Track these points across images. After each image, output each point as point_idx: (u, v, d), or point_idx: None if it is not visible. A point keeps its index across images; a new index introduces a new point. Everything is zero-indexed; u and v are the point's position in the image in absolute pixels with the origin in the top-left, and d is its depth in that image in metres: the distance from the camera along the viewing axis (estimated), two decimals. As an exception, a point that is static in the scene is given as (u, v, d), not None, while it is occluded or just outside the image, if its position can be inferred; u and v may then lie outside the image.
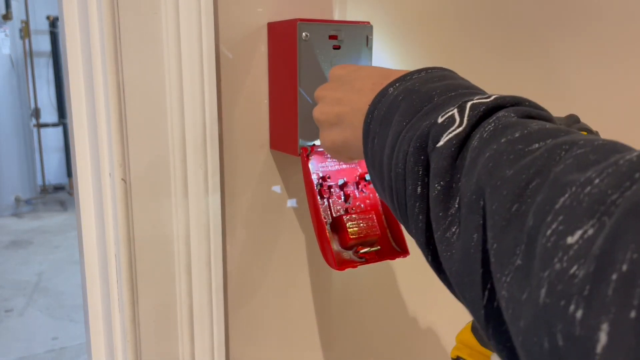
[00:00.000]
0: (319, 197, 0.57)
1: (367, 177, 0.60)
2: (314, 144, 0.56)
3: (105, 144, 0.53)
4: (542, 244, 0.21)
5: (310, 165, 0.56)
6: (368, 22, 0.57)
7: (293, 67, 0.54)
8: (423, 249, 0.32)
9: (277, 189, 0.62)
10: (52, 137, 4.64)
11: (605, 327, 0.17)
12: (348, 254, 0.58)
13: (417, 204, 0.31)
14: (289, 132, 0.57)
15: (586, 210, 0.19)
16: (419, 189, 0.31)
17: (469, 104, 0.31)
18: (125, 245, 0.54)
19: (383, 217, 0.60)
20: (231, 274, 0.62)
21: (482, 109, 0.30)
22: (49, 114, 4.59)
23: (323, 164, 0.58)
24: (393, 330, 0.76)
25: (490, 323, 0.25)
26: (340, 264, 0.56)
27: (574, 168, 0.22)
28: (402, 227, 0.59)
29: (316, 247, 0.66)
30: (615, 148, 0.23)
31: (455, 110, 0.31)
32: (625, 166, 0.20)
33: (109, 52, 0.50)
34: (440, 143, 0.30)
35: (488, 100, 0.30)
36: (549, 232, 0.20)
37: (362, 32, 0.56)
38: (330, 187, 0.58)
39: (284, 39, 0.55)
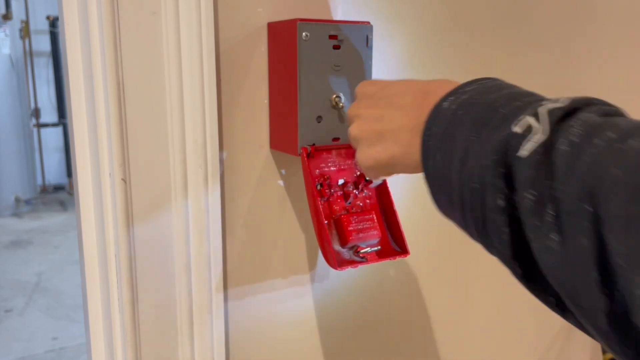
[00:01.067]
0: (319, 197, 0.57)
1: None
2: (314, 144, 0.56)
3: (105, 143, 0.53)
4: None
5: (310, 165, 0.56)
6: (368, 22, 0.57)
7: (293, 67, 0.54)
8: (509, 263, 0.31)
9: (281, 182, 0.62)
10: (52, 137, 4.64)
11: None
12: (348, 254, 0.58)
13: (500, 217, 0.31)
14: (289, 132, 0.57)
15: None
16: (500, 202, 0.30)
17: (543, 110, 0.30)
18: (125, 245, 0.54)
19: (383, 217, 0.60)
20: (231, 274, 0.62)
21: (560, 114, 0.29)
22: (48, 114, 4.59)
23: (323, 164, 0.58)
24: (393, 330, 0.76)
25: (616, 329, 0.25)
26: (341, 264, 0.56)
27: None
28: (402, 227, 0.59)
29: (316, 247, 0.66)
30: None
31: (531, 119, 0.30)
32: None
33: (109, 52, 0.50)
34: (524, 153, 0.29)
35: (564, 105, 0.30)
36: None
37: (362, 32, 0.56)
38: (330, 187, 0.58)
39: (284, 39, 0.55)
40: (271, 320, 0.66)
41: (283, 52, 0.56)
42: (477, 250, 0.38)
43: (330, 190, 0.58)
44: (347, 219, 0.57)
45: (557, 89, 0.83)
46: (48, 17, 4.45)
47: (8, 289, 2.98)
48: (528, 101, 0.32)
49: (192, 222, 0.56)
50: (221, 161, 0.58)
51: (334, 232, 0.58)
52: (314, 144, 0.56)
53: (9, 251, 3.51)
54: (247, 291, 0.63)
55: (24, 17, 4.21)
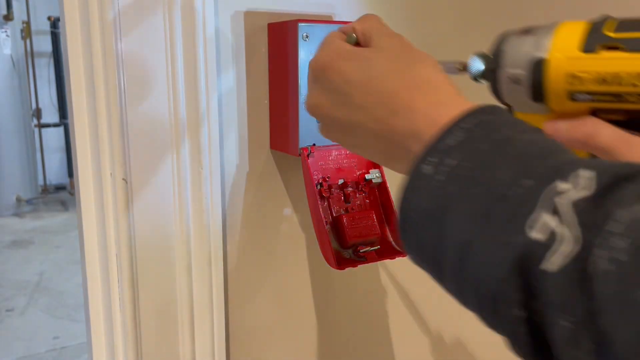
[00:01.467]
0: (319, 197, 0.57)
1: (367, 177, 0.60)
2: (314, 144, 0.56)
3: (106, 144, 0.53)
4: None
5: (310, 165, 0.56)
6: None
7: (293, 67, 0.54)
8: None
9: (281, 182, 0.63)
10: (53, 137, 4.64)
11: None
12: (348, 254, 0.58)
13: (520, 327, 0.25)
14: (289, 132, 0.57)
15: None
16: (520, 313, 0.25)
17: (561, 201, 0.23)
18: (126, 245, 0.54)
19: (383, 216, 0.60)
20: (231, 273, 0.62)
21: (582, 207, 0.23)
22: (50, 114, 4.59)
23: (323, 164, 0.58)
24: (393, 330, 0.76)
25: None
26: (340, 264, 0.56)
27: None
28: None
29: (316, 246, 0.67)
30: None
31: (551, 218, 0.23)
32: None
33: (110, 52, 0.50)
34: (551, 267, 0.23)
35: (582, 188, 0.23)
36: None
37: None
38: (330, 187, 0.58)
39: (284, 39, 0.56)
40: (271, 320, 0.66)
41: (283, 52, 0.56)
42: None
43: (330, 190, 0.58)
44: (347, 219, 0.57)
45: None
46: (49, 18, 4.45)
47: (9, 288, 2.98)
48: (539, 175, 0.25)
49: (193, 221, 0.56)
50: (221, 161, 0.58)
51: (334, 232, 0.58)
52: (314, 144, 0.56)
53: (10, 251, 3.51)
54: (247, 291, 0.63)
55: (25, 18, 4.22)
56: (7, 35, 4.00)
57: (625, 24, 0.33)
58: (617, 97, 0.32)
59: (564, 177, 0.24)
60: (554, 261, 0.23)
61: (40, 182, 4.48)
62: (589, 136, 0.32)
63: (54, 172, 4.67)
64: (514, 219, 0.25)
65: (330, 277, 0.69)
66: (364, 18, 0.39)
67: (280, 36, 0.56)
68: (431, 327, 0.79)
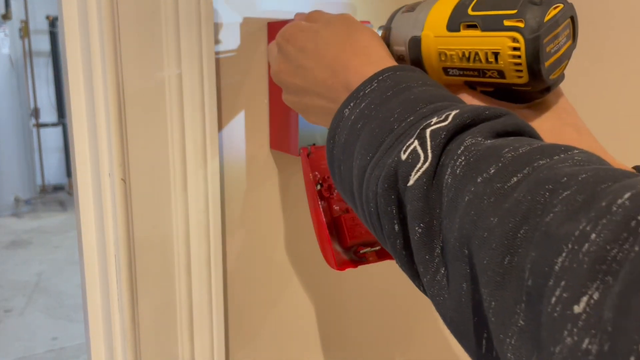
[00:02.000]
0: (319, 197, 0.57)
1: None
2: (314, 144, 0.56)
3: (104, 143, 0.53)
4: (547, 312, 0.20)
5: (310, 165, 0.56)
6: (368, 22, 0.57)
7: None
8: (414, 281, 0.31)
9: (281, 182, 0.62)
10: (51, 137, 4.63)
11: None
12: (348, 254, 0.58)
13: (398, 241, 0.30)
14: (289, 132, 0.57)
15: (588, 272, 0.19)
16: (396, 227, 0.30)
17: (428, 132, 0.29)
18: (124, 246, 0.54)
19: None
20: (231, 274, 0.62)
21: (443, 136, 0.28)
22: (48, 114, 4.59)
23: (323, 164, 0.58)
24: (393, 330, 0.76)
25: None
26: (341, 264, 0.56)
27: (564, 217, 0.21)
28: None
29: (316, 247, 0.66)
30: (599, 177, 0.21)
31: (417, 143, 0.29)
32: (619, 214, 0.19)
33: (109, 52, 0.50)
34: (410, 182, 0.28)
35: (446, 123, 0.29)
36: (553, 299, 0.19)
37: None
38: (330, 187, 0.58)
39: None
40: (271, 320, 0.66)
41: (283, 52, 0.56)
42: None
43: (330, 191, 0.58)
44: (346, 220, 0.57)
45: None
46: (47, 17, 4.45)
47: (8, 289, 2.98)
48: (420, 114, 0.31)
49: (192, 222, 0.56)
50: (221, 161, 0.58)
51: (334, 232, 0.58)
52: (314, 144, 0.56)
53: (9, 251, 3.51)
54: (247, 291, 0.63)
55: (23, 17, 4.21)
56: (5, 35, 4.00)
57: (482, 2, 0.34)
58: (480, 72, 0.34)
59: (439, 115, 0.30)
60: (413, 177, 0.28)
61: (39, 182, 4.48)
62: None
63: (53, 172, 4.67)
64: (395, 146, 0.31)
65: (330, 277, 0.68)
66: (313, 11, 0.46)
67: (280, 35, 0.56)
68: (432, 328, 0.79)
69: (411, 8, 0.38)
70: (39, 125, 4.43)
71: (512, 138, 0.28)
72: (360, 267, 0.57)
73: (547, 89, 0.34)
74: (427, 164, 0.28)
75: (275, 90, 0.59)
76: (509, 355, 0.22)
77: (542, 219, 0.22)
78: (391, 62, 0.38)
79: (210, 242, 0.58)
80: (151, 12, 0.51)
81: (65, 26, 0.53)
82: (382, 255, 0.58)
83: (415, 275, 0.30)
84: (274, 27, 0.57)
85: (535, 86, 0.33)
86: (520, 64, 0.32)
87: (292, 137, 0.56)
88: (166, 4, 0.51)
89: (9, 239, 3.71)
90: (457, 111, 0.29)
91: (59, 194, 4.64)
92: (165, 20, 0.51)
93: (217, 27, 0.55)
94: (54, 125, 4.63)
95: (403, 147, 0.30)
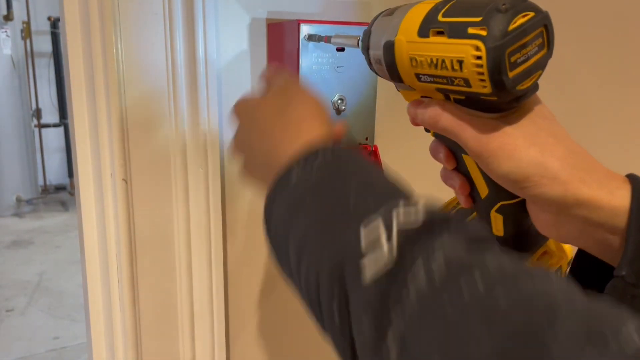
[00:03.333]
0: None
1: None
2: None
3: (106, 144, 0.53)
4: None
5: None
6: (369, 23, 0.57)
7: (293, 67, 0.54)
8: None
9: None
10: (53, 137, 4.64)
11: None
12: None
13: (336, 334, 0.27)
14: (289, 132, 0.57)
15: None
16: (337, 320, 0.27)
17: (394, 223, 0.26)
18: (126, 245, 0.54)
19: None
20: (231, 273, 0.62)
21: (412, 236, 0.25)
22: (50, 115, 4.59)
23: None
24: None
25: None
26: None
27: (568, 350, 0.19)
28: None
29: (316, 247, 0.66)
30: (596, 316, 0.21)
31: (382, 229, 0.26)
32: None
33: (110, 53, 0.50)
34: (367, 280, 0.25)
35: (417, 224, 0.26)
36: None
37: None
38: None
39: (284, 39, 0.56)
40: (271, 320, 0.66)
41: (283, 52, 0.56)
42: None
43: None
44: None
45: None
46: (49, 18, 4.45)
47: (9, 288, 2.98)
48: (383, 199, 0.28)
49: (193, 222, 0.56)
50: (222, 161, 0.58)
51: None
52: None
53: (10, 251, 3.51)
54: (247, 291, 0.63)
55: (25, 18, 4.21)
56: (7, 36, 4.00)
57: (452, 8, 0.33)
58: (448, 80, 0.33)
59: (406, 201, 0.27)
60: (370, 272, 0.25)
61: (41, 182, 4.48)
62: (433, 120, 0.35)
63: (54, 172, 4.67)
64: (351, 219, 0.27)
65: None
66: (279, 72, 0.46)
67: (280, 36, 0.56)
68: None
69: (391, 12, 0.38)
70: (41, 126, 4.43)
71: (494, 253, 0.25)
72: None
73: (516, 100, 0.33)
74: (390, 262, 0.25)
75: (275, 91, 0.59)
76: None
77: (547, 345, 0.20)
78: (319, 133, 0.37)
79: (211, 241, 0.58)
80: (152, 13, 0.51)
81: (67, 27, 0.53)
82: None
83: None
84: (273, 28, 0.58)
85: (501, 97, 0.32)
86: (483, 74, 0.31)
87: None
88: (167, 5, 0.51)
89: (10, 239, 3.71)
90: (425, 206, 0.27)
91: (60, 194, 4.64)
92: (166, 21, 0.51)
93: (217, 27, 0.55)
94: (55, 125, 4.63)
95: (364, 220, 0.27)
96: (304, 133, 0.37)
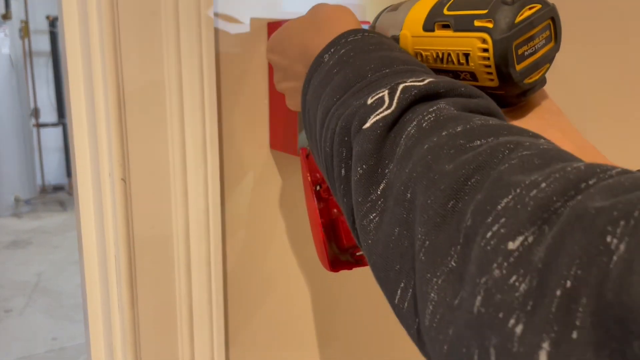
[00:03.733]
0: (316, 198, 0.57)
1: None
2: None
3: (104, 143, 0.53)
4: (480, 246, 0.19)
5: (309, 166, 0.56)
6: (369, 22, 0.57)
7: (293, 67, 0.54)
8: (353, 232, 0.31)
9: (281, 182, 0.62)
10: (51, 137, 4.63)
11: (546, 346, 0.16)
12: (345, 256, 0.58)
13: (342, 186, 0.30)
14: (289, 132, 0.57)
15: (530, 215, 0.19)
16: (342, 171, 0.30)
17: (400, 86, 0.29)
18: (124, 246, 0.54)
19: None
20: (231, 274, 0.62)
21: (413, 93, 0.28)
22: (48, 114, 4.59)
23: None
24: (392, 331, 0.76)
25: (401, 322, 0.25)
26: (335, 266, 0.56)
27: (518, 169, 0.21)
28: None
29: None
30: (560, 155, 0.22)
31: (386, 92, 0.29)
32: (572, 173, 0.19)
33: (109, 52, 0.50)
34: (367, 125, 0.28)
35: (421, 84, 0.28)
36: (489, 234, 0.19)
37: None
38: (329, 188, 0.58)
39: (283, 38, 0.55)
40: (271, 320, 0.66)
41: (283, 52, 0.56)
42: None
43: (329, 192, 0.58)
44: (344, 221, 0.57)
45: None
46: (48, 17, 4.45)
47: (8, 289, 2.98)
48: (396, 71, 0.31)
49: (192, 222, 0.56)
50: (221, 161, 0.58)
51: (332, 234, 0.58)
52: (313, 144, 0.56)
53: (9, 251, 3.51)
54: (247, 291, 0.63)
55: (23, 17, 4.21)
56: (5, 35, 3.99)
57: (458, 1, 0.33)
58: (455, 74, 0.33)
59: (417, 76, 0.30)
60: (370, 120, 0.28)
61: (39, 182, 4.48)
62: None
63: (53, 172, 4.67)
64: (364, 91, 0.30)
65: (330, 278, 0.68)
66: None
67: (280, 36, 0.56)
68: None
69: (395, 7, 0.38)
70: (39, 125, 4.43)
71: (485, 116, 0.28)
72: (360, 270, 0.57)
73: (524, 94, 0.33)
74: (388, 111, 0.28)
75: (275, 91, 0.59)
76: (432, 294, 0.21)
77: (496, 168, 0.22)
78: (351, 27, 0.38)
79: (210, 242, 0.58)
80: (151, 12, 0.51)
81: (65, 26, 0.53)
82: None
83: (352, 226, 0.30)
84: (274, 27, 0.57)
85: (508, 90, 0.32)
86: (490, 66, 0.30)
87: (292, 137, 0.56)
88: (166, 4, 0.51)
89: (9, 239, 3.71)
90: (434, 79, 0.29)
91: (59, 194, 4.64)
92: (165, 20, 0.51)
93: (217, 27, 0.55)
94: (54, 125, 4.63)
95: (372, 93, 0.30)
96: (335, 28, 0.38)
